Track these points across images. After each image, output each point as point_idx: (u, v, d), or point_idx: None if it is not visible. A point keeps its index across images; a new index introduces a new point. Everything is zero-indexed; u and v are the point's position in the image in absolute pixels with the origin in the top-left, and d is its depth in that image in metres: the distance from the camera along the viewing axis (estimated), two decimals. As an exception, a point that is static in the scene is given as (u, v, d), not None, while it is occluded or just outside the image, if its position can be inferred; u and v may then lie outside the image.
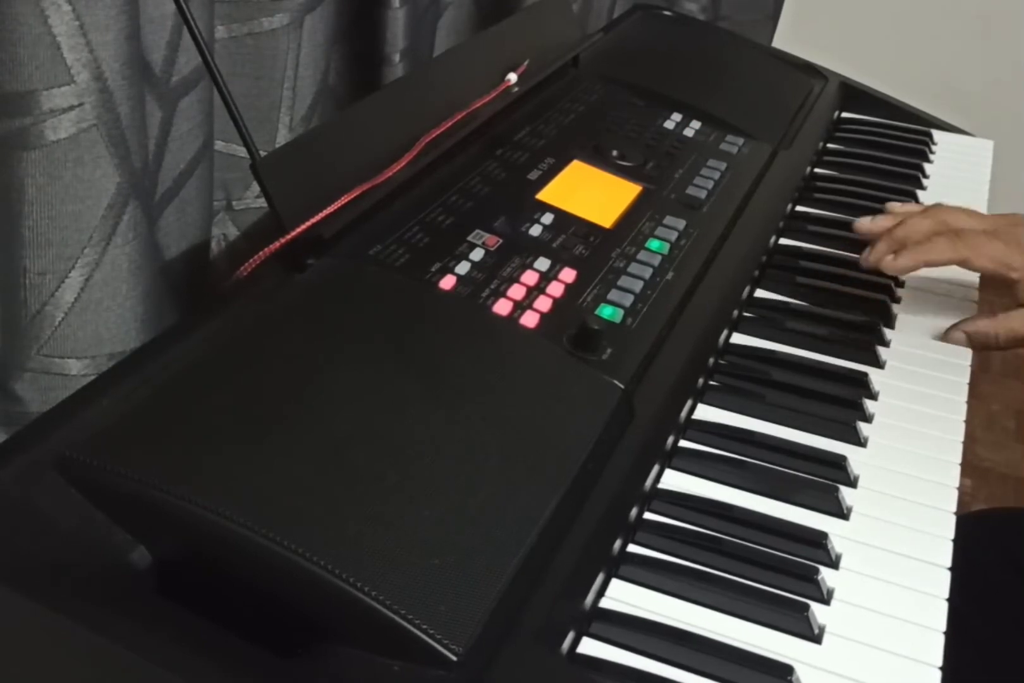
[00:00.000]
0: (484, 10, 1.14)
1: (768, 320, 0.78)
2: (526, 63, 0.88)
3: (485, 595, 0.46)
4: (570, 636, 0.50)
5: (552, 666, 0.48)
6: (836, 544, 0.59)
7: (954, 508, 0.63)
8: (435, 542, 0.47)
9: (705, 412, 0.68)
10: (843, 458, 0.65)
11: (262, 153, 0.64)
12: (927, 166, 1.06)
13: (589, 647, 0.51)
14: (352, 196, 0.65)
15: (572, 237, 0.71)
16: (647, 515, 0.59)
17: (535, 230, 0.71)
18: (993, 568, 0.82)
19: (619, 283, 0.69)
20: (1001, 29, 2.08)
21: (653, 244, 0.74)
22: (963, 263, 0.76)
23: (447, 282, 0.63)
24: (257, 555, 0.45)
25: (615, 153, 0.84)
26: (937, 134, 1.13)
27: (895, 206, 0.84)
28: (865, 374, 0.73)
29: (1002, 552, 0.84)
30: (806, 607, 0.54)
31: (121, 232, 0.66)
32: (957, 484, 0.65)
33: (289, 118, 0.85)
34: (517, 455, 0.53)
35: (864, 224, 0.82)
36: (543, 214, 0.73)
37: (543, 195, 0.75)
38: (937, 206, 0.81)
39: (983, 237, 0.76)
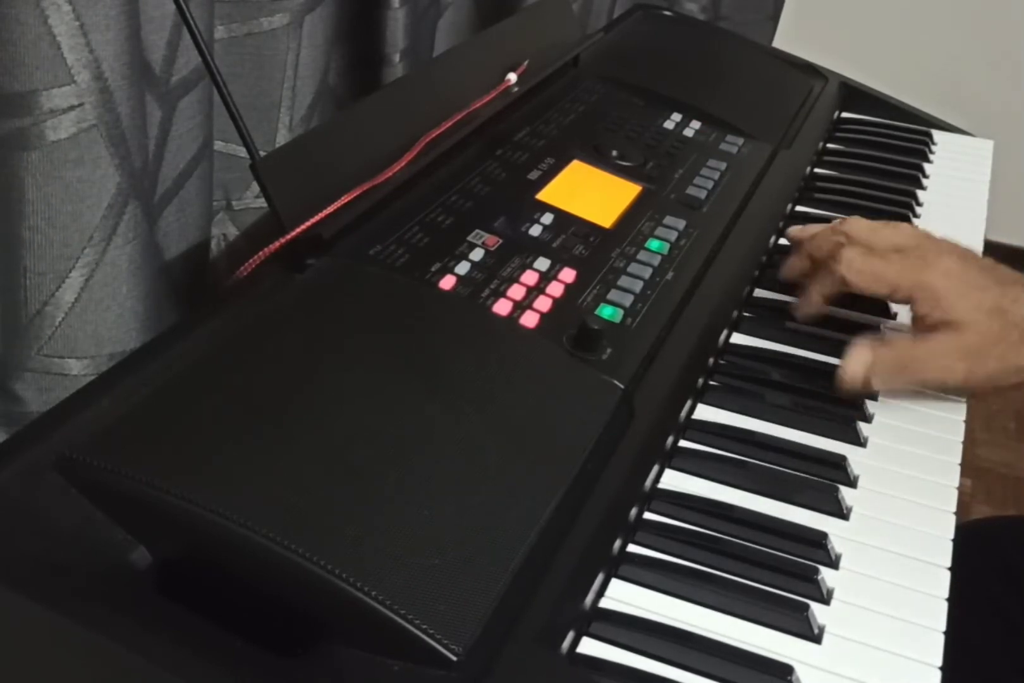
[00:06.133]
0: (484, 10, 1.14)
1: (768, 320, 0.78)
2: (526, 63, 0.88)
3: (485, 595, 0.46)
4: (570, 636, 0.50)
5: (552, 666, 0.48)
6: (836, 544, 0.59)
7: (954, 508, 0.63)
8: (435, 542, 0.47)
9: (705, 412, 0.68)
10: (843, 458, 0.65)
11: (262, 153, 0.64)
12: (927, 166, 1.06)
13: (589, 647, 0.51)
14: (352, 196, 0.65)
15: (572, 237, 0.71)
16: (647, 515, 0.59)
17: (535, 230, 0.71)
18: (989, 578, 0.81)
19: (619, 283, 0.69)
20: (1001, 29, 2.08)
21: (653, 244, 0.74)
22: (844, 284, 0.71)
23: (447, 282, 0.63)
24: (257, 555, 0.44)
25: (615, 153, 0.84)
26: (937, 134, 1.13)
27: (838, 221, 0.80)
28: (865, 374, 0.73)
29: (998, 562, 0.83)
30: (806, 607, 0.54)
31: (121, 232, 0.66)
32: (957, 484, 0.65)
33: (289, 118, 0.85)
34: (517, 455, 0.53)
35: (794, 231, 0.79)
36: (543, 214, 0.73)
37: (543, 195, 0.75)
38: (852, 219, 0.74)
39: (859, 254, 0.70)
